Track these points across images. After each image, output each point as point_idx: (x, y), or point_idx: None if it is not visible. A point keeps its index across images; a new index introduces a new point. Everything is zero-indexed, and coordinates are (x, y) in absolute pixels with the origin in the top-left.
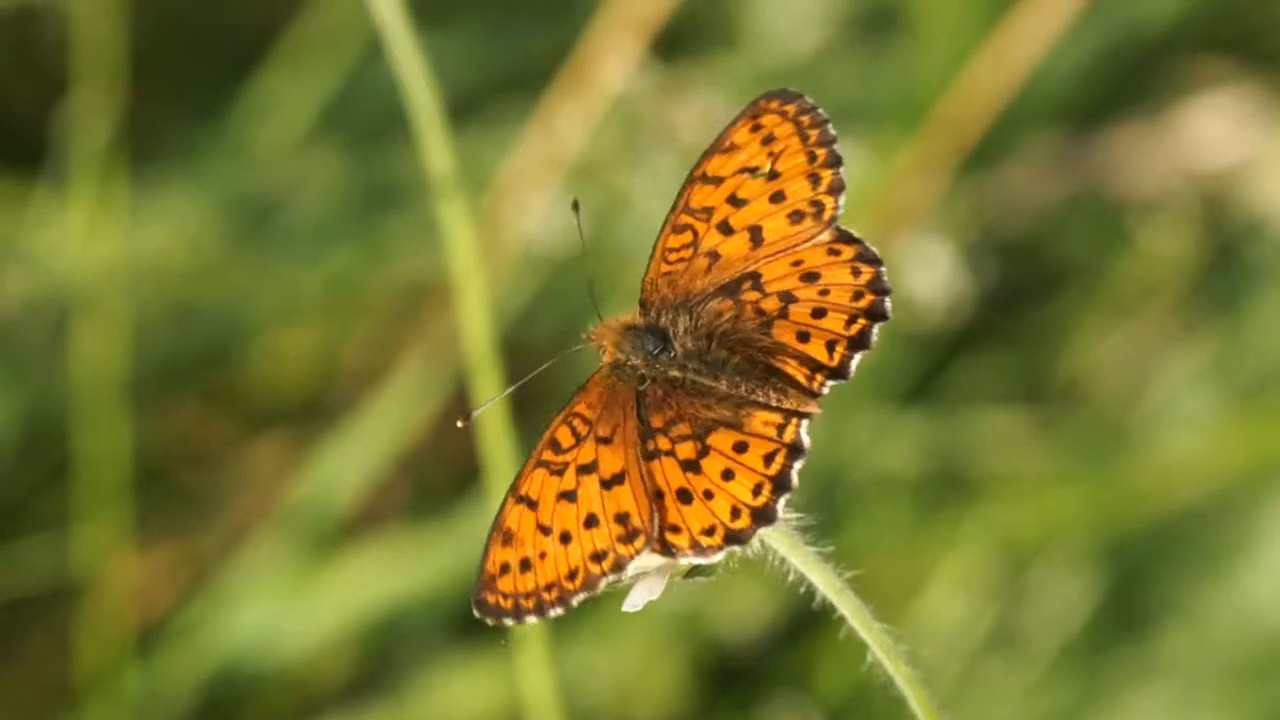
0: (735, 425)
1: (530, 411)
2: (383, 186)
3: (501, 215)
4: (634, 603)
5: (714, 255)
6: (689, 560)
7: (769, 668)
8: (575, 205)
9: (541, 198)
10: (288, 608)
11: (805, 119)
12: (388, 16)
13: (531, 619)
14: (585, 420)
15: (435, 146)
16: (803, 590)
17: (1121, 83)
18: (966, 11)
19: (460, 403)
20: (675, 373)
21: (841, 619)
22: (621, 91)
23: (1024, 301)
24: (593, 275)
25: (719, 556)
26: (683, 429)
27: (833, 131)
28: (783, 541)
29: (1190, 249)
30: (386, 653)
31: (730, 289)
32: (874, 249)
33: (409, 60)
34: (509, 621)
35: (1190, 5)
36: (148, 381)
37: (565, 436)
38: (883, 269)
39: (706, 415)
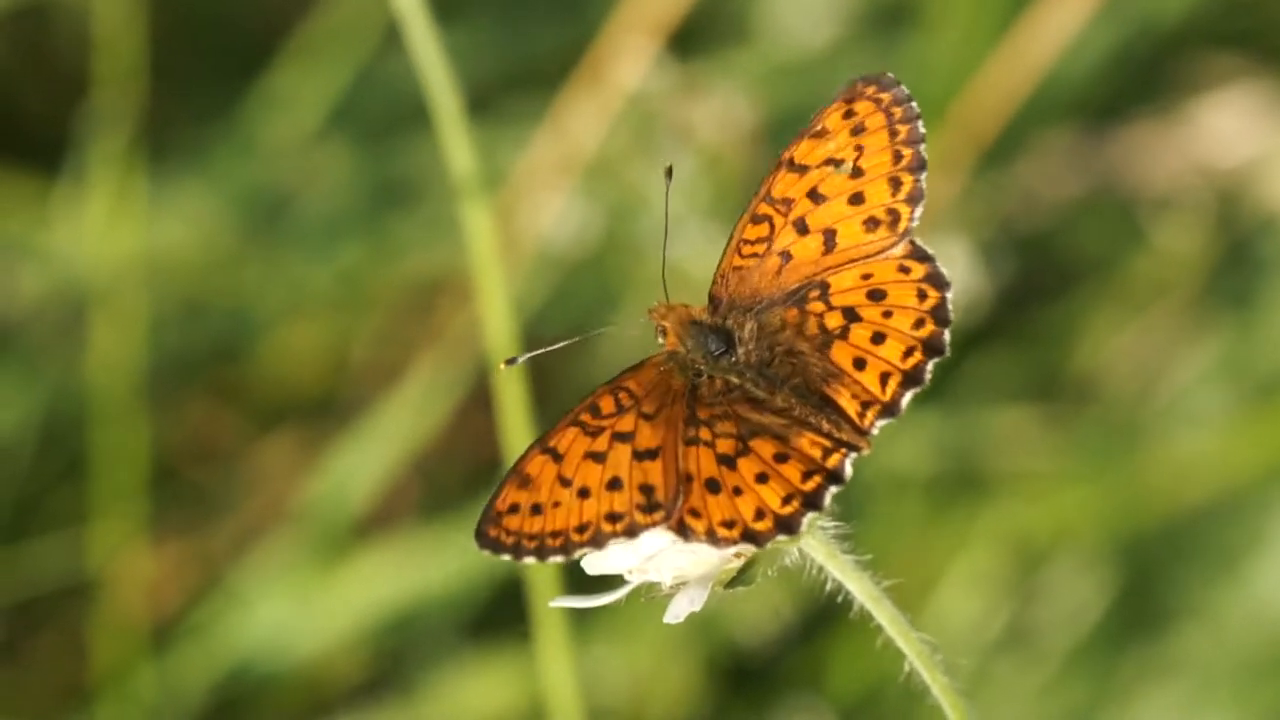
0: (782, 438)
1: (546, 405)
2: (393, 182)
3: (516, 213)
4: (675, 614)
5: (786, 256)
6: (700, 546)
7: (783, 668)
8: (669, 171)
9: (556, 196)
10: (301, 607)
11: (897, 111)
12: (407, 10)
13: (529, 559)
14: (632, 395)
15: (456, 142)
16: (826, 590)
17: (1134, 79)
18: (979, 7)
19: (475, 402)
20: (734, 378)
21: (865, 623)
22: (637, 89)
23: (1037, 298)
24: (664, 266)
25: (730, 550)
26: (728, 427)
27: (922, 129)
28: (820, 550)
29: (1203, 245)
30: (399, 652)
31: (798, 297)
32: (945, 271)
33: (429, 55)
34: (506, 556)
35: (1202, 1)
36: (158, 378)
37: (608, 404)
38: (949, 294)
39: (755, 420)
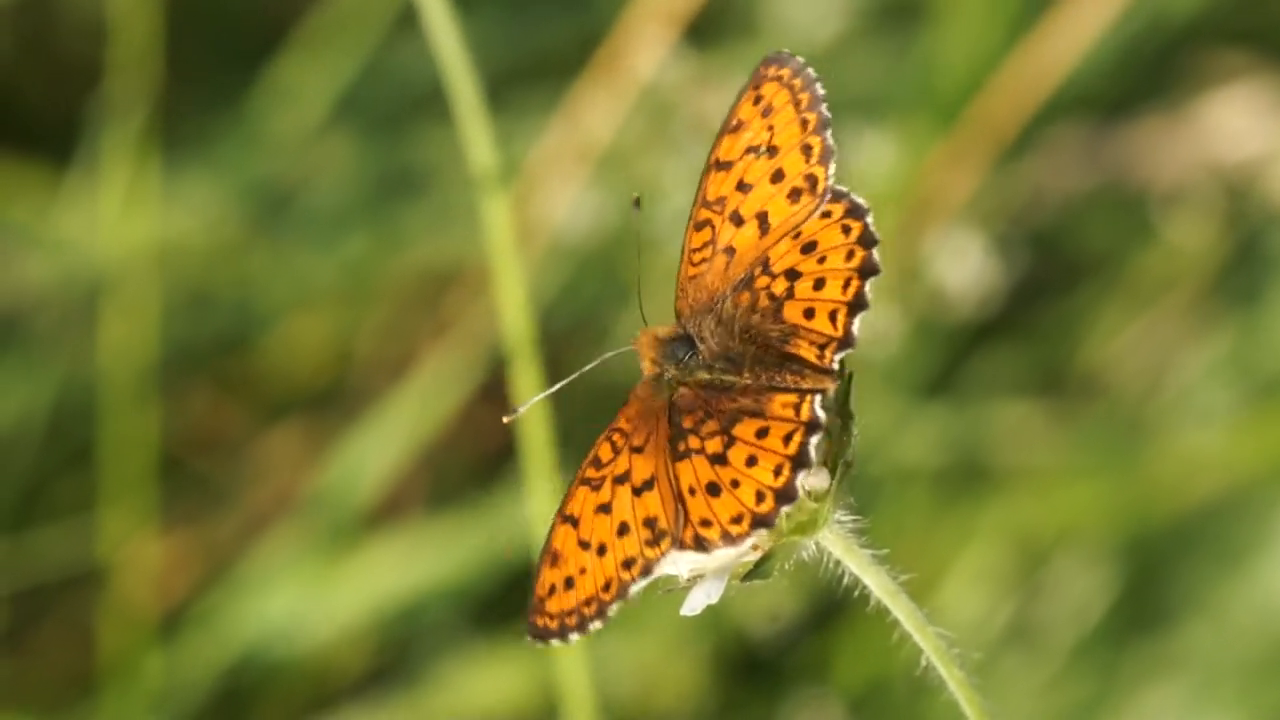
0: (758, 412)
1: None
2: (399, 174)
3: (529, 204)
4: (692, 606)
5: (730, 250)
6: (720, 551)
7: (791, 661)
8: (637, 202)
9: (570, 187)
10: (308, 597)
11: (797, 82)
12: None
13: (575, 636)
14: (623, 434)
15: (475, 131)
16: (842, 584)
17: (1143, 75)
18: (989, 3)
19: (484, 393)
20: (704, 374)
21: (873, 616)
22: (652, 80)
23: (1044, 293)
24: (639, 280)
25: (749, 542)
26: (711, 425)
27: (821, 90)
28: (838, 544)
29: (1211, 241)
30: (405, 643)
31: (746, 281)
32: (861, 199)
33: (448, 42)
34: (556, 642)
35: None
36: (164, 368)
37: (606, 452)
38: (869, 219)
39: (731, 407)
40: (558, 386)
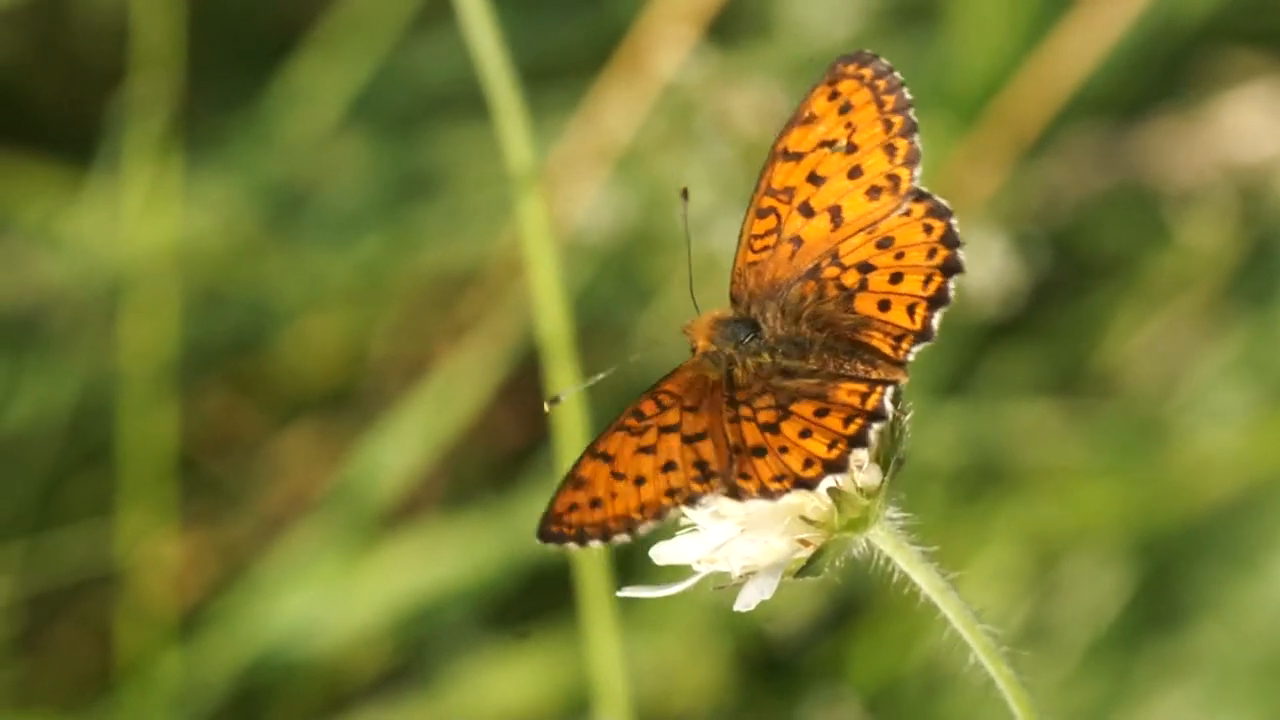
0: (819, 396)
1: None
2: (413, 175)
3: (549, 204)
4: (746, 602)
5: (797, 241)
6: (757, 499)
7: (810, 659)
8: (685, 193)
9: (590, 187)
10: (325, 598)
11: (881, 83)
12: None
13: (595, 543)
14: (672, 395)
15: (511, 128)
16: (893, 581)
17: (1157, 77)
18: (1002, 5)
19: (501, 394)
20: (766, 356)
21: (889, 615)
22: (672, 79)
23: (1060, 293)
24: (691, 271)
25: (784, 498)
26: (766, 400)
27: (909, 95)
28: (888, 541)
29: (1225, 242)
30: (421, 644)
31: (813, 271)
32: (944, 201)
33: (484, 40)
34: (572, 545)
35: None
36: (179, 368)
37: (650, 408)
38: (953, 221)
39: (791, 387)
40: (597, 379)
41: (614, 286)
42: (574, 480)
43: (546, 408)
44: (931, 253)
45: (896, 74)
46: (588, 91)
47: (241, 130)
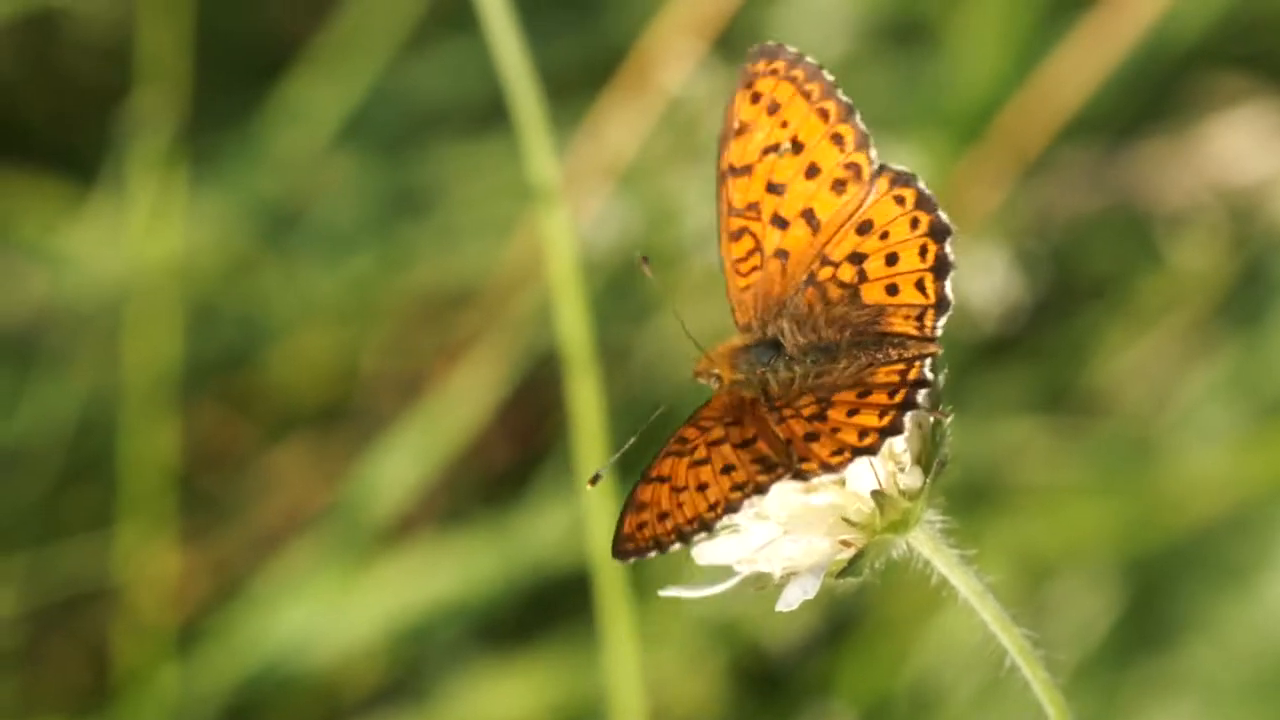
0: (859, 384)
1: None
2: (405, 193)
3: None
4: (788, 601)
5: (782, 254)
6: (822, 475)
7: (806, 674)
8: (645, 260)
9: (594, 202)
10: (321, 614)
11: (799, 73)
12: (488, 7)
13: (675, 547)
14: (712, 419)
15: (534, 141)
16: (931, 583)
17: (1148, 99)
18: (998, 27)
19: (498, 413)
20: (797, 369)
21: (884, 630)
22: (677, 94)
23: (1049, 313)
24: (681, 322)
25: (846, 470)
26: (808, 398)
27: (830, 77)
28: (927, 544)
29: (1215, 263)
30: (418, 659)
31: (809, 279)
32: (903, 168)
33: (510, 53)
34: (652, 553)
35: (1215, 22)
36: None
37: (693, 433)
38: (921, 184)
39: (829, 383)
40: (627, 446)
41: (617, 302)
42: (635, 505)
43: (588, 486)
44: (914, 223)
45: (810, 59)
46: (592, 106)
47: (236, 147)
